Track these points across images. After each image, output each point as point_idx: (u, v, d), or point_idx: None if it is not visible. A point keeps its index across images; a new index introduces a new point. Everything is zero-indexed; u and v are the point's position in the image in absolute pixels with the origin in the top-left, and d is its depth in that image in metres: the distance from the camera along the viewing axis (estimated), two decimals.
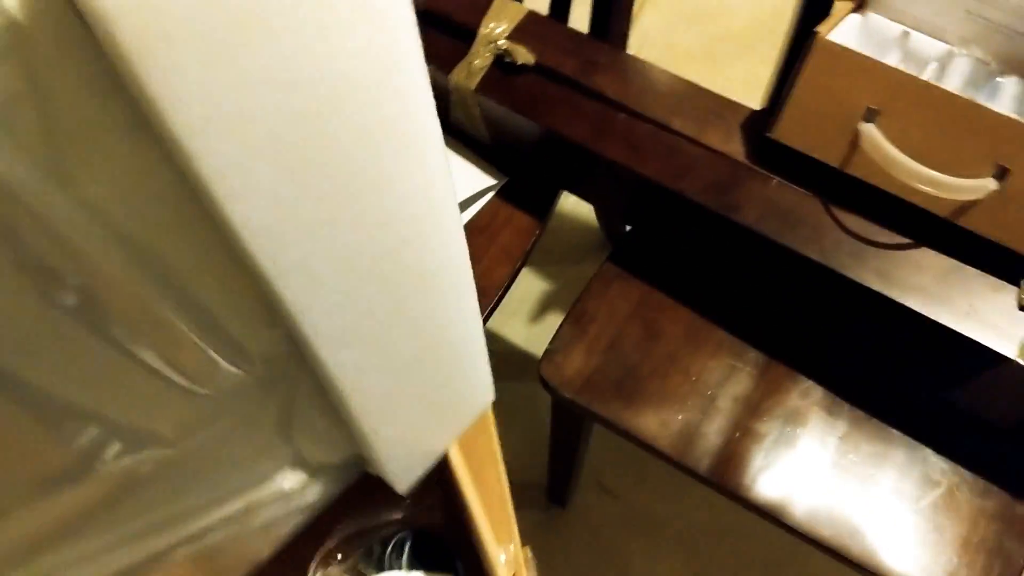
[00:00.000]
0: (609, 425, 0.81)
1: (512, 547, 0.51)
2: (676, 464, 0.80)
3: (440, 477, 0.58)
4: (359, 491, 0.60)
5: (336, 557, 0.56)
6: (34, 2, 0.26)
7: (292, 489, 0.48)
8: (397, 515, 0.57)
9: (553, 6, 0.93)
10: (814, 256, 0.73)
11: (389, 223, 0.38)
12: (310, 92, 0.31)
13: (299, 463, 0.47)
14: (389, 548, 0.56)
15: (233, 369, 0.39)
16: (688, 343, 0.84)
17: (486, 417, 0.60)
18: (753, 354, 0.83)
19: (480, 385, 0.50)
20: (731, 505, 0.80)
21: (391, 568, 0.55)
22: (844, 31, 0.74)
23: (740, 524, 1.16)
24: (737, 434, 0.79)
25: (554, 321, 1.29)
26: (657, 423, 0.80)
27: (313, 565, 0.56)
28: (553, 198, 0.90)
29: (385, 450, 0.47)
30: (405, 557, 0.55)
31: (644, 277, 0.87)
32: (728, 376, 0.82)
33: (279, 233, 0.33)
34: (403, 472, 0.50)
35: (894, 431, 0.80)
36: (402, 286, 0.41)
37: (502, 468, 0.58)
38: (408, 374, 0.45)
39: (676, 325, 0.85)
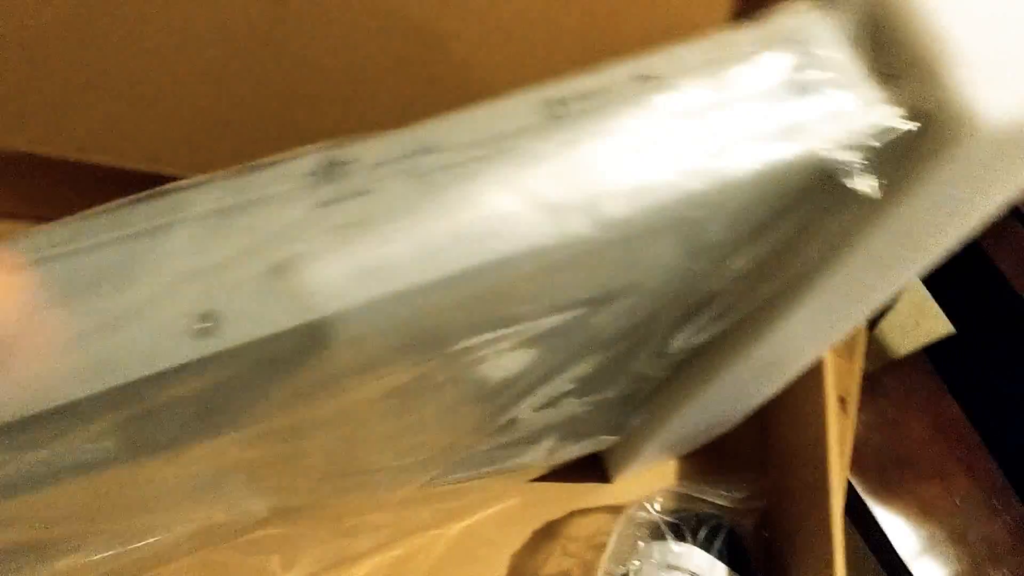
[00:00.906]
0: (848, 502, 0.80)
1: None
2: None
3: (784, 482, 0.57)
4: (701, 463, 0.60)
5: (650, 510, 0.56)
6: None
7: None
8: (723, 501, 0.57)
9: None
10: None
11: None
12: None
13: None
14: (700, 530, 0.55)
15: None
16: (963, 463, 0.82)
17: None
18: (1019, 506, 0.81)
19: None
20: None
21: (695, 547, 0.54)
22: None
23: None
24: (969, 572, 0.77)
25: None
26: (899, 523, 0.78)
27: (630, 510, 0.56)
28: None
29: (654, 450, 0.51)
30: (714, 545, 0.54)
31: (950, 380, 0.85)
32: (986, 513, 0.80)
33: None
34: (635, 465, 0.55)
35: None
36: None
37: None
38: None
39: (958, 440, 0.82)
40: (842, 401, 0.63)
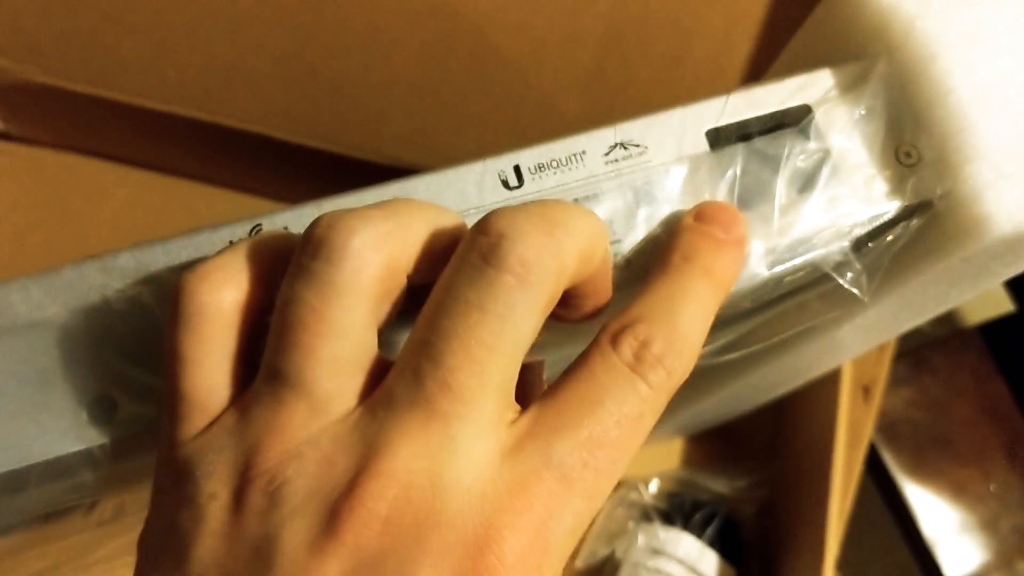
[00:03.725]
0: (880, 479, 0.77)
1: None
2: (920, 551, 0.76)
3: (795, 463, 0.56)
4: (709, 445, 0.59)
5: (642, 492, 0.55)
6: None
7: None
8: (723, 489, 0.56)
9: None
10: None
11: None
12: None
13: None
14: (694, 515, 0.54)
15: None
16: (1005, 450, 0.78)
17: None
18: None
19: None
20: None
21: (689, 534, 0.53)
22: None
23: None
24: (996, 561, 0.75)
25: None
26: (931, 504, 0.76)
27: (621, 490, 0.55)
28: None
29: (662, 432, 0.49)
30: (706, 531, 0.53)
31: (1004, 366, 0.80)
32: (1022, 503, 0.77)
33: None
34: None
35: None
36: None
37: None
38: None
39: (1003, 425, 0.79)
40: (866, 390, 0.60)
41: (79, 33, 0.50)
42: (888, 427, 0.77)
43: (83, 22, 0.50)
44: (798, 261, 0.24)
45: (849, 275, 0.25)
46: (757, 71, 0.49)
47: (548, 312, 0.20)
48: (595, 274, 0.22)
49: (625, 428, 0.20)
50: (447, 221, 0.21)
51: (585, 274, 0.21)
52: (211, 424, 0.20)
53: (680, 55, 0.48)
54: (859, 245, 0.25)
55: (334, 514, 0.18)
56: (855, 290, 0.25)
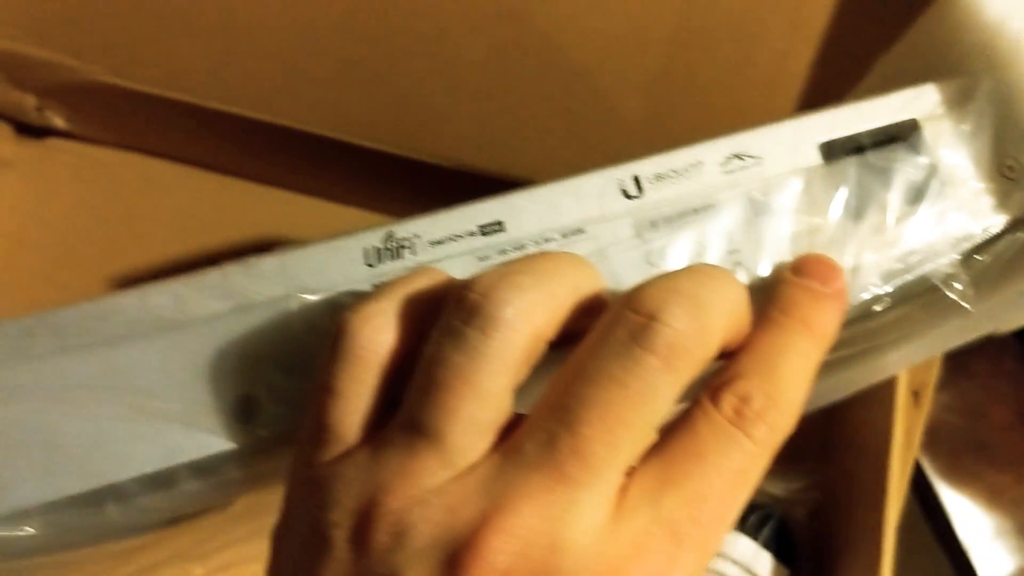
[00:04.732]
0: (916, 483, 0.77)
1: None
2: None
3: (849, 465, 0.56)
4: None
5: None
6: None
7: None
8: (777, 490, 0.56)
9: None
10: None
11: None
12: None
13: None
14: (748, 517, 0.55)
15: None
16: None
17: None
18: None
19: None
20: None
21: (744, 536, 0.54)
22: None
23: None
24: None
25: None
26: (966, 509, 0.76)
27: None
28: None
29: None
30: (761, 533, 0.54)
31: None
32: None
33: None
34: None
35: None
36: None
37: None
38: None
39: None
40: (916, 395, 0.60)
41: (144, 33, 0.51)
42: (926, 432, 0.77)
43: (148, 23, 0.50)
44: (910, 274, 0.25)
45: (957, 287, 0.25)
46: (818, 77, 0.49)
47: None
48: (736, 336, 0.22)
49: (729, 482, 0.20)
50: (590, 283, 0.22)
51: (727, 342, 0.22)
52: (345, 454, 0.21)
53: (743, 60, 0.48)
54: (967, 257, 0.26)
55: (455, 562, 0.19)
56: (964, 303, 0.25)
